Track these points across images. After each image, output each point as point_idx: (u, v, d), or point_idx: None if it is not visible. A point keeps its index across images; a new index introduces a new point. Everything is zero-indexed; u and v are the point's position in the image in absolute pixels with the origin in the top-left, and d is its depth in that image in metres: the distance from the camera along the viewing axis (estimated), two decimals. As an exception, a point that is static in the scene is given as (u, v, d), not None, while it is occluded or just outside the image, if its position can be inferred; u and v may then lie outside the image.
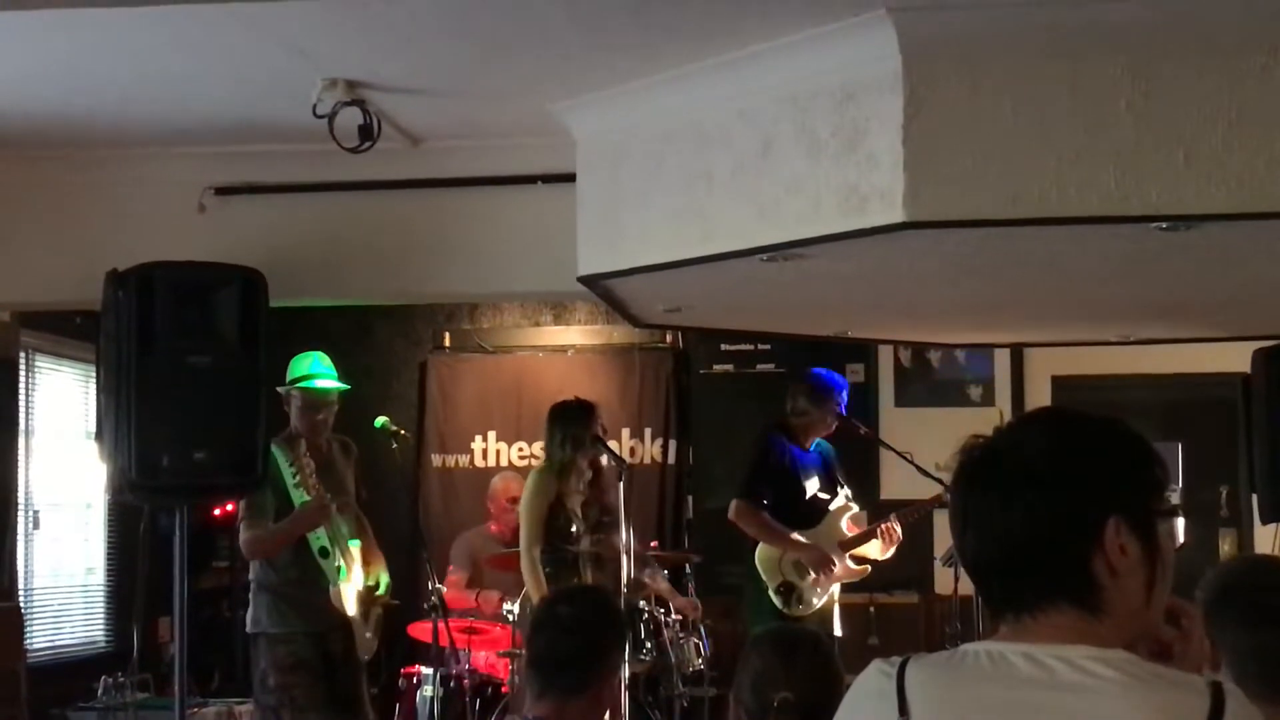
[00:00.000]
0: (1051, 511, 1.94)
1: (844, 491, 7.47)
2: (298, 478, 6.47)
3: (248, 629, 6.67)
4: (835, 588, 7.35)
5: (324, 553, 6.53)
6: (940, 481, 6.96)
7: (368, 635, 6.68)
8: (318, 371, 6.74)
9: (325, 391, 6.73)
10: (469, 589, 8.15)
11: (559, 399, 7.37)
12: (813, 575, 7.19)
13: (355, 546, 6.68)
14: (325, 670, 6.54)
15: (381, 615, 6.84)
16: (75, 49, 5.11)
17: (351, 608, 6.57)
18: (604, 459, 7.06)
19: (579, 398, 7.29)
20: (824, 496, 7.38)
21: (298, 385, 6.71)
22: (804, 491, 7.30)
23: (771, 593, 7.17)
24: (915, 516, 7.50)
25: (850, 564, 7.34)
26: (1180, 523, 2.03)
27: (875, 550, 7.40)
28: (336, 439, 6.89)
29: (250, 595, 6.70)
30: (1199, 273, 5.66)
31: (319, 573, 6.53)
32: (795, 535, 7.22)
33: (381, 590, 6.75)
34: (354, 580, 6.59)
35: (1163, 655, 1.97)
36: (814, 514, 7.34)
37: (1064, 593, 1.94)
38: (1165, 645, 2.01)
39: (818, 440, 7.47)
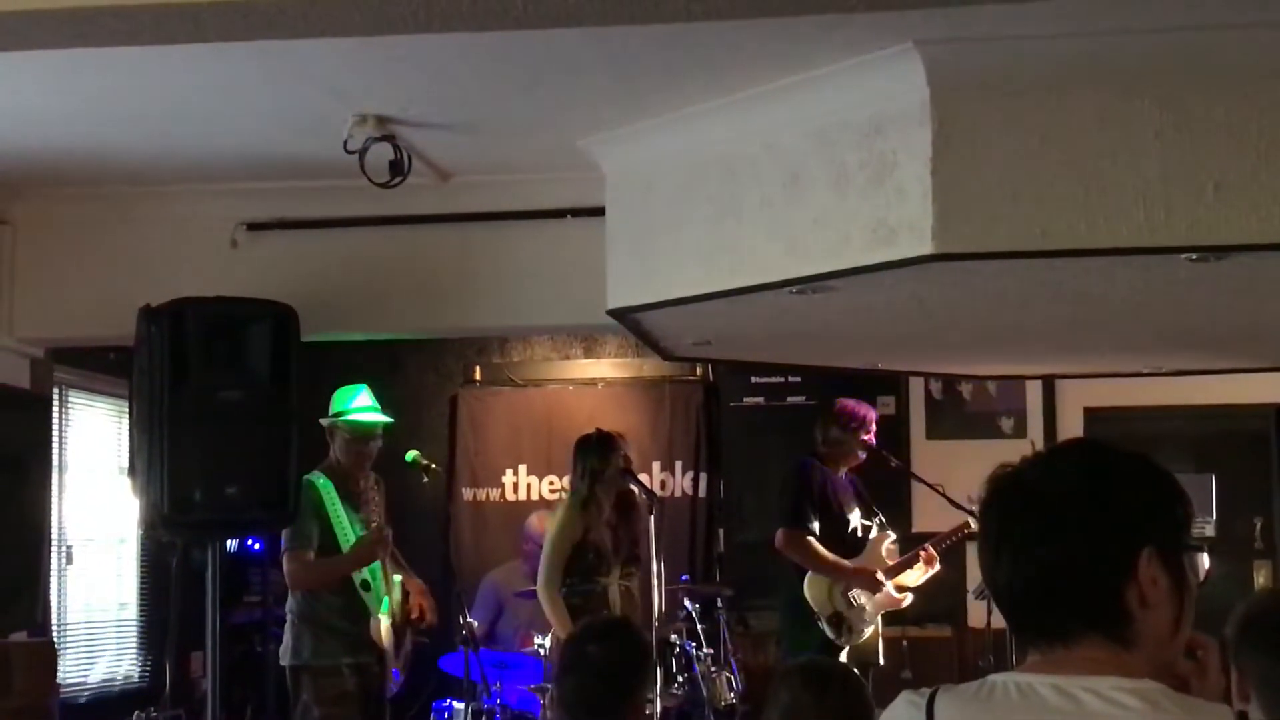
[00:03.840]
0: (1089, 543, 1.94)
1: (878, 519, 7.46)
2: (356, 511, 6.52)
3: (285, 661, 6.67)
4: (878, 618, 7.34)
5: (365, 585, 6.57)
6: (971, 514, 6.93)
7: (397, 667, 6.75)
8: (363, 405, 6.77)
9: (371, 425, 6.75)
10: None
11: (595, 429, 7.37)
12: (862, 601, 7.18)
13: (397, 580, 6.74)
14: (363, 702, 6.59)
15: (409, 650, 6.86)
16: (108, 87, 5.16)
17: (389, 642, 6.62)
18: (636, 491, 7.04)
19: (599, 430, 7.27)
20: (866, 524, 7.38)
21: (343, 418, 6.73)
22: (847, 522, 7.30)
23: (824, 623, 7.14)
24: (948, 543, 7.48)
25: (893, 592, 7.32)
26: (1204, 557, 2.03)
27: (913, 577, 7.39)
28: (370, 474, 6.92)
29: (287, 627, 6.70)
30: (1230, 304, 5.63)
31: (361, 604, 6.58)
32: (844, 562, 7.20)
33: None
34: (392, 615, 6.64)
35: (1180, 688, 1.97)
36: (857, 543, 7.34)
37: (1096, 623, 1.94)
38: (1182, 678, 2.01)
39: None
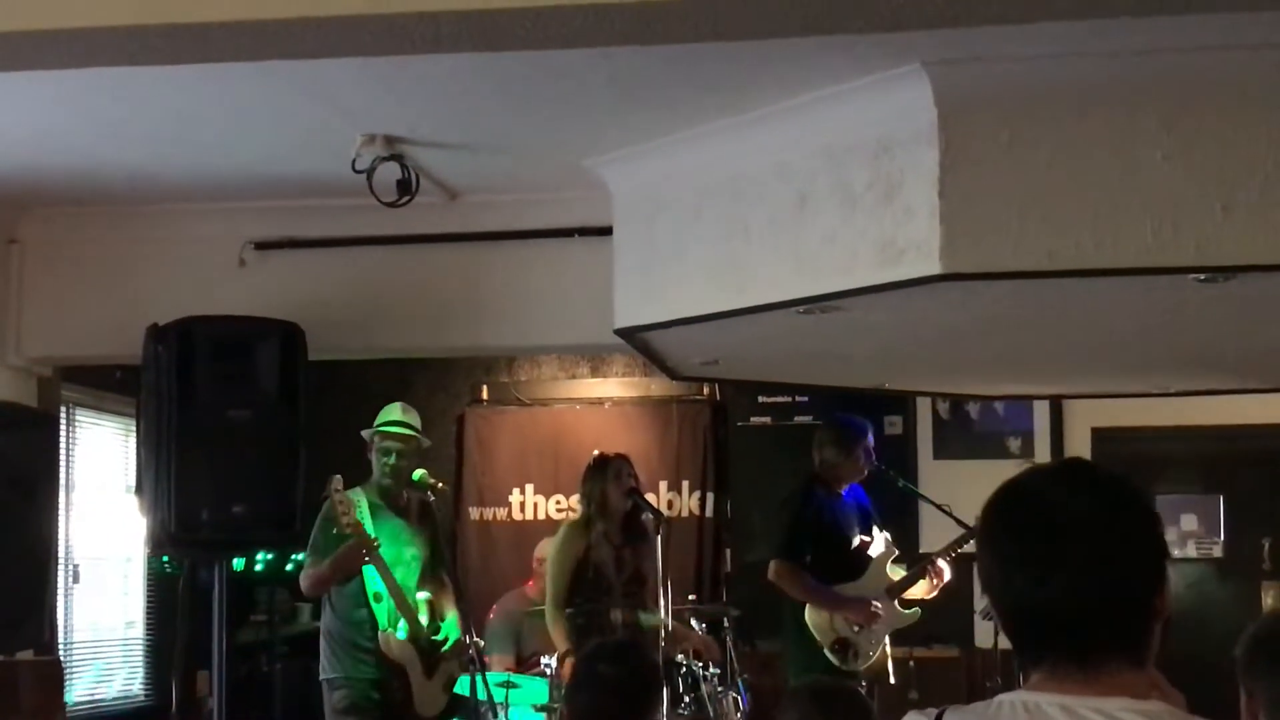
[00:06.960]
0: (1138, 567, 1.95)
1: (883, 535, 7.43)
2: (343, 519, 6.53)
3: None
4: (888, 638, 7.31)
5: (377, 598, 6.57)
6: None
7: (436, 691, 6.72)
8: (395, 418, 6.81)
9: (396, 436, 6.77)
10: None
11: (596, 452, 7.37)
12: (862, 628, 7.16)
13: (423, 599, 6.72)
14: (384, 716, 6.57)
15: (454, 673, 6.83)
16: (116, 107, 5.17)
17: (406, 657, 6.59)
18: (643, 515, 7.03)
19: (600, 452, 7.29)
20: (867, 539, 7.36)
21: (376, 430, 6.78)
22: (848, 542, 7.27)
23: (827, 650, 7.12)
24: (956, 551, 7.46)
25: (900, 609, 7.31)
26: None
27: (921, 591, 7.37)
28: (418, 497, 6.91)
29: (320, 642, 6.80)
30: (1238, 324, 5.63)
31: (375, 619, 6.58)
32: (836, 591, 7.18)
33: (447, 646, 6.76)
34: (410, 630, 6.60)
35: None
36: (859, 563, 7.31)
37: (1123, 644, 1.94)
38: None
39: (850, 485, 7.43)
